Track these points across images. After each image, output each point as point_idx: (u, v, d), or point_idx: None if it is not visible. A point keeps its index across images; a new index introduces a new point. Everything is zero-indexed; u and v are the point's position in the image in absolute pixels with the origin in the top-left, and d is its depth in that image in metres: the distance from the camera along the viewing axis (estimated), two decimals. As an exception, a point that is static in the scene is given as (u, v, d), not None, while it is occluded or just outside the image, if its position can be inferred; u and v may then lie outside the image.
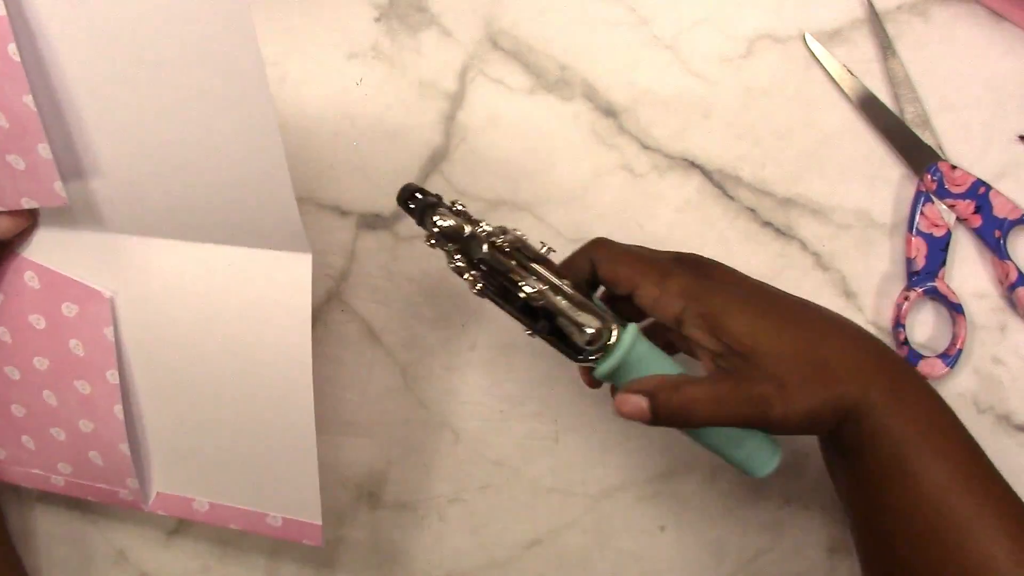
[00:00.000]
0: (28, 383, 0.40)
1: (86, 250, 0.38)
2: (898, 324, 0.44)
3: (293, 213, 0.34)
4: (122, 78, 0.33)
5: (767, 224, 0.46)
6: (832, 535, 0.44)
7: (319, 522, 0.40)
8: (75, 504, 0.45)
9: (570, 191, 0.46)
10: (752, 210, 0.46)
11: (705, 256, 0.39)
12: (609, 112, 0.46)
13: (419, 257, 0.45)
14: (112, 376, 0.39)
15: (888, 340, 0.45)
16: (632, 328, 0.35)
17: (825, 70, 0.46)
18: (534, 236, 0.45)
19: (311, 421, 0.38)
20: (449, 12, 0.46)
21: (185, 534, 0.45)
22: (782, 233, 0.46)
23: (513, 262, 0.34)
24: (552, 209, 0.46)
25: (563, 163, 0.46)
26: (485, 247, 0.34)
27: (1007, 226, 0.44)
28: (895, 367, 0.34)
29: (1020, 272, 0.44)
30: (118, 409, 0.40)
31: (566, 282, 0.35)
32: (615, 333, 0.35)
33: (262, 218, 0.35)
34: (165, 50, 0.31)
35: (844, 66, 0.46)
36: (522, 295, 0.34)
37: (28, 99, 0.33)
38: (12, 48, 0.31)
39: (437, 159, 0.46)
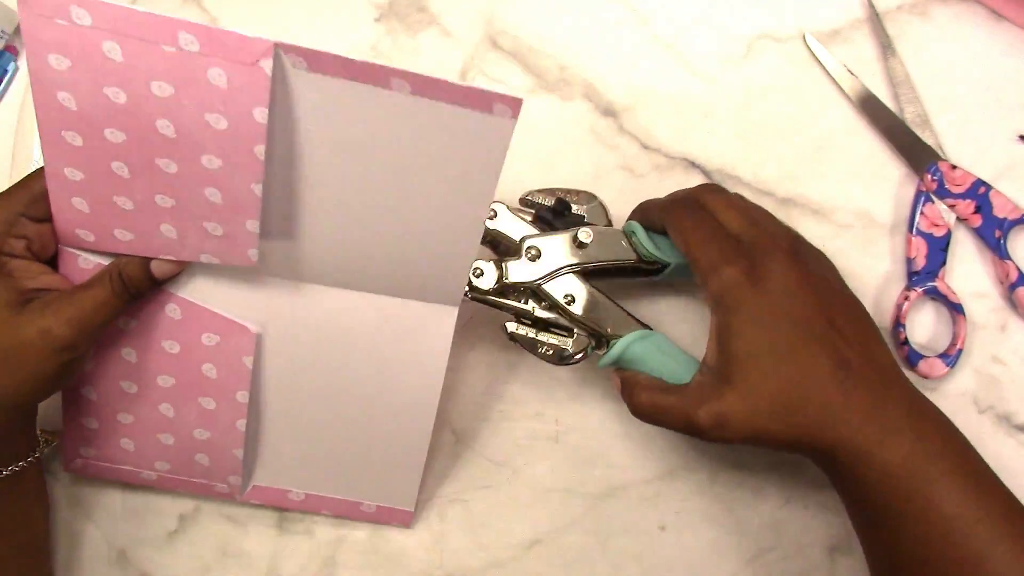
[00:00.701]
0: (144, 397, 0.40)
1: (237, 289, 0.38)
2: (898, 324, 0.44)
3: (465, 276, 0.37)
4: (358, 172, 0.34)
5: (767, 224, 0.46)
6: (832, 535, 0.44)
7: (412, 508, 0.44)
8: (75, 504, 0.45)
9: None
10: (752, 210, 0.46)
11: (810, 245, 0.39)
12: (609, 112, 0.46)
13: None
14: (242, 396, 0.40)
15: (888, 340, 0.45)
16: (626, 341, 0.39)
17: (825, 70, 0.46)
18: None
19: (428, 436, 0.41)
20: (449, 12, 0.46)
21: (185, 534, 0.45)
22: (782, 233, 0.46)
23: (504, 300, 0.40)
24: (552, 209, 0.46)
25: (563, 163, 0.46)
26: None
27: (1007, 226, 0.44)
28: (895, 404, 0.35)
29: (1020, 272, 0.44)
30: (241, 423, 0.40)
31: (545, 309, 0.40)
32: (584, 351, 0.40)
33: (437, 280, 0.38)
34: (413, 159, 0.33)
35: (844, 66, 0.46)
36: (506, 332, 0.40)
37: (257, 187, 0.34)
38: (260, 149, 0.32)
39: (437, 159, 0.46)
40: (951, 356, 0.44)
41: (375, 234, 0.36)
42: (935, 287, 0.44)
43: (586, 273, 0.40)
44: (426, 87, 0.31)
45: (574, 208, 0.42)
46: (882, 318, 0.45)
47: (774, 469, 0.44)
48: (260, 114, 0.32)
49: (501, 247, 0.41)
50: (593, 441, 0.45)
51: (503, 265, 0.39)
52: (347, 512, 0.44)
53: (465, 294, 0.39)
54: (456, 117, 0.32)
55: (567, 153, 0.46)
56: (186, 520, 0.45)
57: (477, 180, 0.34)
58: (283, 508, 0.44)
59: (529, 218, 0.41)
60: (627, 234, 0.41)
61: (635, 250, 0.40)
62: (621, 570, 0.44)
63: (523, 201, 0.42)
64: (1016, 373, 0.45)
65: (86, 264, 0.37)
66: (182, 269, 0.38)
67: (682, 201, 0.39)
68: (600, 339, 0.40)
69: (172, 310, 0.38)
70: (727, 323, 0.36)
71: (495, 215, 0.40)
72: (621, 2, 0.47)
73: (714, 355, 0.36)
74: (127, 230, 0.36)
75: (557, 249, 0.39)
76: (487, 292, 0.39)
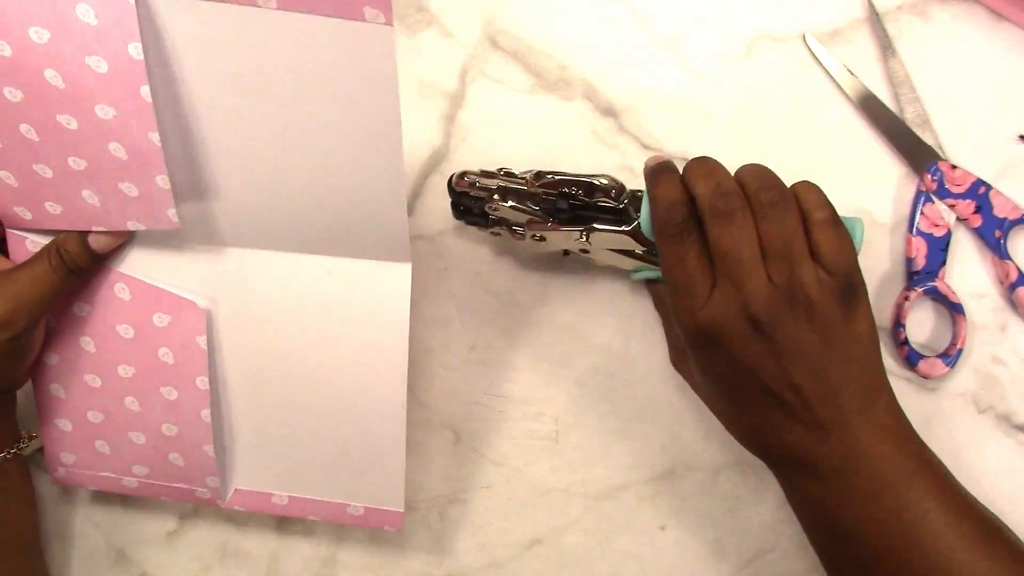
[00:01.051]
0: (109, 391, 0.40)
1: (181, 263, 0.38)
2: (898, 324, 0.44)
3: (403, 227, 0.36)
4: (254, 111, 0.33)
5: (767, 224, 0.46)
6: (832, 535, 0.44)
7: (401, 509, 0.42)
8: (75, 504, 0.45)
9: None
10: (752, 210, 0.46)
11: (857, 280, 0.34)
12: (609, 112, 0.46)
13: (418, 257, 0.45)
14: (202, 383, 0.39)
15: (888, 340, 0.45)
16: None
17: (825, 70, 0.46)
18: (534, 236, 0.45)
19: (402, 417, 0.39)
20: (449, 12, 0.46)
21: (185, 534, 0.45)
22: (782, 233, 0.46)
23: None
24: (552, 209, 0.46)
25: (563, 163, 0.46)
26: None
27: (1007, 226, 0.44)
28: (859, 436, 0.33)
29: (1020, 272, 0.44)
30: (205, 413, 0.40)
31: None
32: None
33: (372, 231, 0.36)
34: (303, 87, 0.32)
35: (844, 66, 0.46)
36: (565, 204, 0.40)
37: (154, 135, 0.33)
38: (145, 90, 0.32)
39: (437, 159, 0.46)
40: (951, 356, 0.44)
41: (289, 178, 0.35)
42: (935, 287, 0.44)
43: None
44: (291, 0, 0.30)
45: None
46: (882, 318, 0.45)
47: (774, 469, 0.44)
48: (135, 49, 0.31)
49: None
50: (593, 441, 0.45)
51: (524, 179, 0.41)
52: (335, 516, 0.43)
53: (491, 215, 0.40)
54: (330, 30, 0.31)
55: (567, 153, 0.46)
56: (186, 520, 0.45)
57: (376, 98, 0.32)
58: (268, 513, 0.43)
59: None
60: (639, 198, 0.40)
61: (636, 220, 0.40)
62: (621, 570, 0.44)
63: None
64: (1016, 373, 0.45)
65: (33, 247, 0.37)
66: (121, 242, 0.38)
67: (677, 220, 0.34)
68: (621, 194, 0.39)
69: (121, 290, 0.38)
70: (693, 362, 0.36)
71: (497, 206, 0.41)
72: (621, 2, 0.47)
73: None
74: (55, 201, 0.36)
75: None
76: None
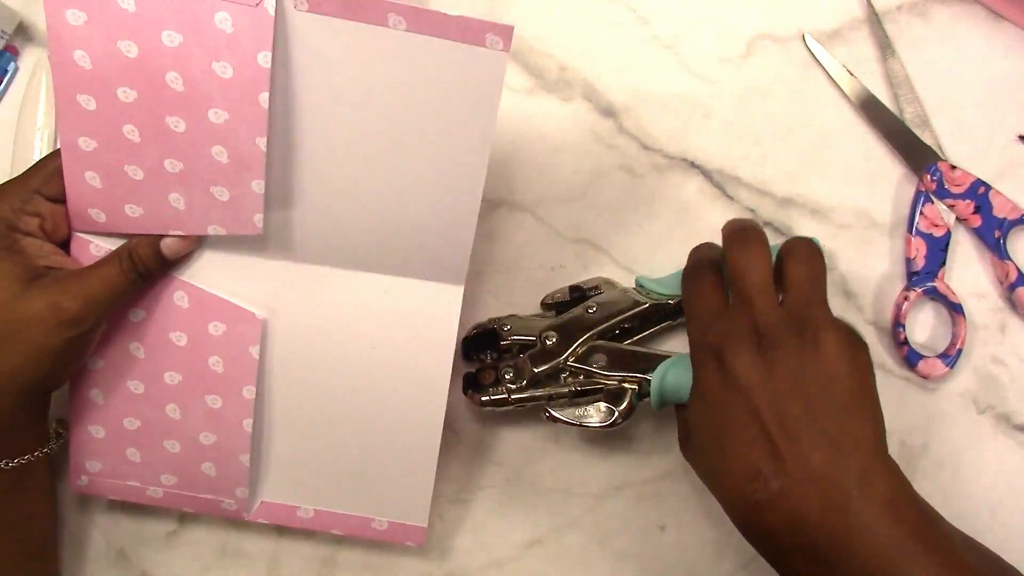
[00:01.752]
0: (151, 397, 0.40)
1: (242, 273, 0.39)
2: (898, 324, 0.44)
3: (467, 251, 0.38)
4: (354, 124, 0.35)
5: (767, 224, 0.46)
6: (832, 535, 0.44)
7: (425, 524, 0.42)
8: (75, 504, 0.45)
9: (570, 191, 0.46)
10: (752, 210, 0.46)
11: (858, 340, 0.34)
12: (609, 112, 0.46)
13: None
14: (248, 392, 0.40)
15: (888, 340, 0.45)
16: (657, 374, 0.39)
17: (825, 70, 0.46)
18: (535, 236, 0.45)
19: (438, 437, 0.40)
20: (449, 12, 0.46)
21: (185, 534, 0.45)
22: (782, 233, 0.46)
23: (527, 394, 0.41)
24: (552, 209, 0.46)
25: (563, 163, 0.46)
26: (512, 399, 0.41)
27: (1007, 226, 0.44)
28: (808, 527, 0.32)
29: (1020, 272, 0.44)
30: (247, 422, 0.40)
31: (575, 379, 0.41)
32: (629, 400, 0.40)
33: (437, 253, 0.38)
34: (408, 104, 0.34)
35: (844, 66, 0.46)
36: (544, 417, 0.41)
37: (261, 141, 0.34)
38: (264, 97, 0.33)
39: (437, 159, 0.46)
40: (951, 356, 0.44)
41: (371, 194, 0.36)
42: (935, 287, 0.44)
43: (608, 338, 0.41)
44: (421, 21, 0.32)
45: (589, 293, 0.43)
46: (881, 318, 0.45)
47: (774, 469, 0.44)
48: (264, 58, 0.33)
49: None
50: (593, 441, 0.45)
51: (525, 359, 0.41)
52: (359, 530, 0.43)
53: (504, 401, 0.40)
54: (450, 52, 0.32)
55: (567, 153, 0.46)
56: (186, 520, 0.45)
57: (474, 122, 0.34)
58: (292, 526, 0.43)
59: (551, 314, 0.43)
60: (637, 287, 0.42)
61: (645, 298, 0.42)
62: (621, 570, 0.44)
63: (543, 305, 0.44)
64: (1016, 373, 0.45)
65: (97, 251, 0.37)
66: (192, 248, 0.38)
67: (703, 264, 0.38)
68: (641, 385, 0.40)
69: (180, 298, 0.39)
70: (692, 389, 0.36)
71: (508, 328, 0.42)
72: (621, 2, 0.47)
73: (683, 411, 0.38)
74: (137, 204, 0.36)
75: (571, 326, 0.41)
76: (521, 392, 0.40)
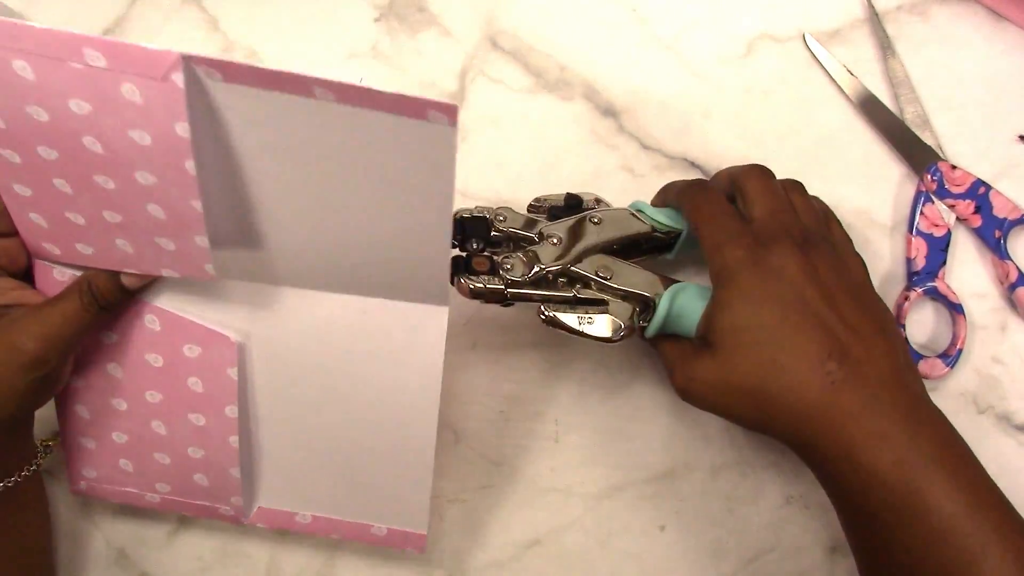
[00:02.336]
0: (135, 414, 0.40)
1: (214, 297, 0.38)
2: (898, 324, 0.44)
3: (445, 271, 0.36)
4: (306, 181, 0.33)
5: (767, 224, 0.46)
6: (832, 535, 0.44)
7: (425, 531, 0.42)
8: (76, 505, 0.45)
9: (570, 191, 0.46)
10: (752, 210, 0.46)
11: (840, 247, 0.38)
12: (609, 112, 0.46)
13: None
14: (231, 411, 0.39)
15: (888, 340, 0.45)
16: (668, 294, 0.38)
17: (825, 70, 0.46)
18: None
19: (431, 449, 0.40)
20: (449, 12, 0.46)
21: (185, 534, 0.45)
22: (782, 233, 0.46)
23: (529, 290, 0.38)
24: (552, 209, 0.46)
25: (563, 163, 0.46)
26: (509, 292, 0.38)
27: (1007, 226, 0.44)
28: (891, 406, 0.33)
29: (1020, 272, 0.44)
30: (233, 439, 0.40)
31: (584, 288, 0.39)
32: (628, 317, 0.38)
33: (414, 274, 0.36)
34: (357, 167, 0.32)
35: (844, 66, 0.46)
36: (541, 318, 0.38)
37: (196, 203, 0.32)
38: (190, 164, 0.31)
39: (437, 159, 0.46)
40: (951, 356, 0.44)
41: (341, 235, 0.35)
42: (935, 287, 0.44)
43: (608, 251, 0.40)
44: (351, 95, 0.30)
45: (587, 205, 0.42)
46: (882, 318, 0.45)
47: (774, 468, 0.44)
48: (182, 129, 0.30)
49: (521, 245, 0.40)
50: (593, 441, 0.45)
51: (532, 252, 0.38)
52: (358, 536, 0.43)
53: (504, 293, 0.38)
54: (391, 124, 0.30)
55: (567, 153, 0.46)
56: (186, 520, 0.45)
57: (432, 184, 0.32)
58: (291, 531, 0.43)
59: (542, 217, 0.41)
60: (633, 212, 0.41)
61: (646, 223, 0.41)
62: (621, 570, 0.44)
63: (531, 207, 0.42)
64: (1016, 373, 0.45)
65: (61, 276, 0.36)
66: (151, 279, 0.37)
67: (699, 183, 0.40)
68: (644, 303, 0.39)
69: (151, 321, 0.38)
70: (719, 296, 0.36)
71: (504, 219, 0.40)
72: (621, 2, 0.47)
73: (703, 326, 0.36)
74: (86, 244, 0.35)
75: (576, 232, 0.39)
76: (522, 284, 0.38)
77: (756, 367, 0.34)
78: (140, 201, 0.33)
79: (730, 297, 0.35)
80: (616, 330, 0.38)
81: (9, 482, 0.37)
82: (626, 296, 0.38)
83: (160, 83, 0.29)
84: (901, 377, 0.34)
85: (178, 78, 0.29)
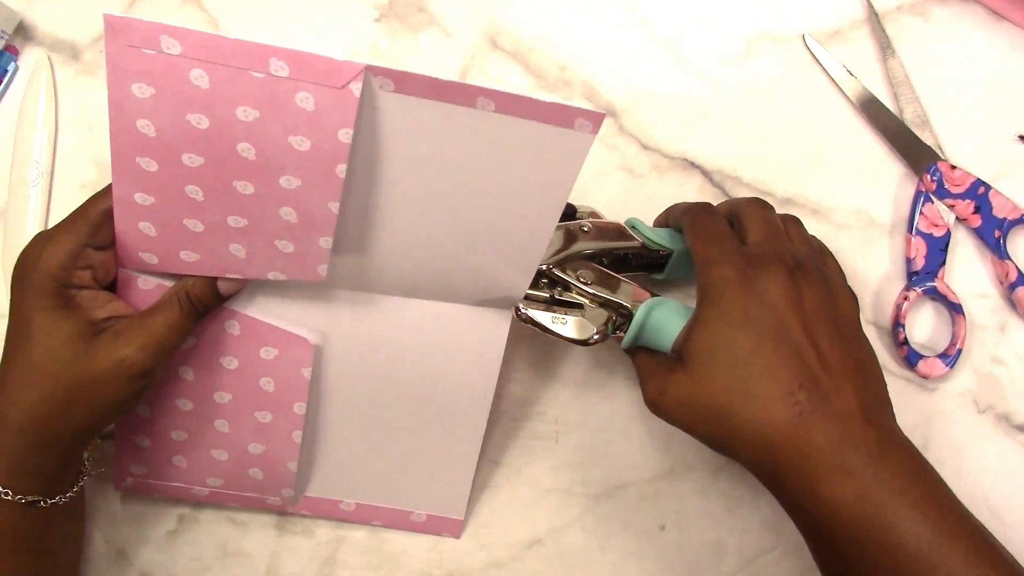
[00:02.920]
0: (200, 413, 0.40)
1: (294, 302, 0.38)
2: (898, 324, 0.44)
3: (527, 280, 0.37)
4: (430, 187, 0.34)
5: (767, 224, 0.46)
6: (832, 535, 0.44)
7: (462, 518, 0.44)
8: (75, 504, 0.45)
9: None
10: (752, 210, 0.46)
11: (831, 280, 0.36)
12: (609, 112, 0.46)
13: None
14: (299, 408, 0.40)
15: (888, 340, 0.45)
16: (644, 307, 0.38)
17: (824, 70, 0.46)
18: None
19: (479, 439, 0.42)
20: (449, 12, 0.46)
21: (185, 534, 0.45)
22: (782, 233, 0.46)
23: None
24: (552, 209, 0.46)
25: (563, 163, 0.46)
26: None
27: (1007, 226, 0.44)
28: (856, 442, 0.33)
29: (1020, 272, 0.44)
30: (297, 434, 0.40)
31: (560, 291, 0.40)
32: (601, 328, 0.39)
33: (498, 285, 0.38)
34: (489, 174, 0.33)
35: (844, 66, 0.46)
36: (517, 315, 0.39)
37: (334, 205, 0.33)
38: (341, 168, 0.32)
39: (437, 159, 0.46)
40: (951, 356, 0.44)
41: (444, 247, 0.36)
42: (934, 287, 0.44)
43: (594, 260, 0.40)
44: (510, 104, 0.31)
45: (579, 214, 0.42)
46: (881, 318, 0.45)
47: (774, 469, 0.44)
48: (345, 135, 0.31)
49: None
50: (593, 441, 0.45)
51: None
52: (397, 522, 0.44)
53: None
54: (537, 133, 0.32)
55: (567, 153, 0.46)
56: (186, 520, 0.45)
57: (551, 192, 0.34)
58: (335, 519, 0.44)
59: None
60: (628, 227, 0.41)
61: (637, 239, 0.41)
62: (621, 570, 0.44)
63: None
64: (1016, 373, 0.45)
65: (146, 285, 0.36)
66: (245, 284, 0.37)
67: (703, 204, 0.40)
68: (619, 313, 0.39)
69: (231, 326, 0.38)
70: (701, 313, 0.36)
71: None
72: (621, 2, 0.47)
73: (680, 341, 0.36)
74: (193, 251, 0.35)
75: (564, 237, 0.40)
76: None
77: (725, 390, 0.34)
78: (275, 205, 0.33)
79: (711, 316, 0.35)
80: (587, 334, 0.38)
81: (75, 489, 0.38)
82: (604, 303, 0.39)
83: (337, 91, 0.30)
84: (871, 414, 0.33)
85: (356, 88, 0.30)
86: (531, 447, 0.45)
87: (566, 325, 0.38)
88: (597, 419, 0.45)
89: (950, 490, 0.33)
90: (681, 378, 0.35)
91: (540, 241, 0.36)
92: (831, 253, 0.40)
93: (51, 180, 0.46)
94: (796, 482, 0.33)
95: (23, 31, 0.46)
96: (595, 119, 0.31)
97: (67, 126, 0.46)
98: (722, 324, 0.35)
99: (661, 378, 0.36)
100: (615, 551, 0.45)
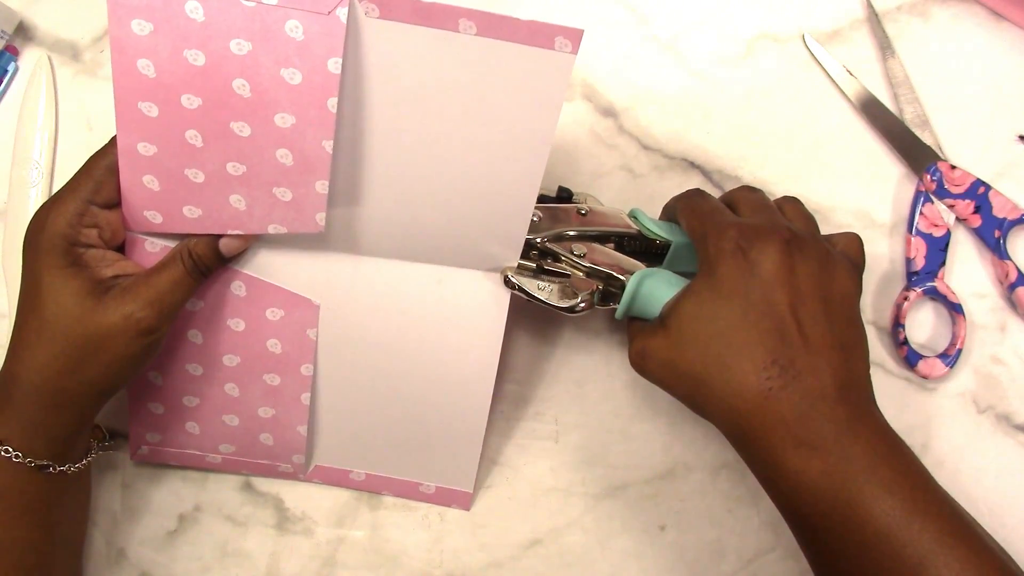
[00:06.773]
0: (210, 378, 0.41)
1: (296, 264, 0.39)
2: (898, 324, 0.44)
3: (520, 241, 0.38)
4: (419, 124, 0.35)
5: (767, 224, 0.46)
6: (832, 535, 0.44)
7: (471, 490, 0.44)
8: (75, 504, 0.45)
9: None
10: (752, 210, 0.46)
11: (829, 255, 0.36)
12: (609, 112, 0.46)
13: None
14: (306, 369, 0.41)
15: (888, 340, 0.45)
16: (636, 277, 0.38)
17: (824, 70, 0.46)
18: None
19: (486, 412, 0.42)
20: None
21: (185, 534, 0.45)
22: (782, 233, 0.46)
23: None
24: (552, 209, 0.46)
25: (563, 163, 0.46)
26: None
27: (1007, 226, 0.44)
28: (825, 419, 0.33)
29: (1020, 272, 0.44)
30: (305, 397, 0.41)
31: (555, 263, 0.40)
32: (591, 296, 0.39)
33: (493, 245, 0.38)
34: (473, 104, 0.34)
35: (844, 66, 0.46)
36: (505, 282, 0.39)
37: (328, 143, 0.34)
38: (333, 102, 0.33)
39: (437, 159, 0.46)
40: (951, 356, 0.44)
41: (437, 191, 0.37)
42: (934, 287, 0.44)
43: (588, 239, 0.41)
44: (491, 25, 0.32)
45: (578, 199, 0.42)
46: (881, 318, 0.45)
47: (774, 469, 0.44)
48: (334, 64, 0.32)
49: None
50: (593, 441, 0.45)
51: None
52: (407, 493, 0.45)
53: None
54: (519, 55, 0.33)
55: (567, 153, 0.46)
56: (186, 520, 0.45)
57: (538, 121, 0.35)
58: (345, 487, 0.45)
59: None
60: (629, 217, 0.41)
61: (634, 226, 0.41)
62: (621, 570, 0.44)
63: None
64: (1016, 373, 0.45)
65: (152, 248, 0.38)
66: (248, 245, 0.38)
67: (696, 189, 0.40)
68: (610, 284, 0.39)
69: (237, 287, 0.39)
70: (693, 283, 0.36)
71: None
72: (621, 2, 0.47)
73: (668, 306, 0.37)
74: (196, 206, 0.36)
75: (559, 216, 0.40)
76: None
77: (702, 358, 0.35)
78: (271, 147, 0.34)
79: (703, 286, 0.36)
80: (572, 301, 0.39)
81: (89, 458, 0.38)
82: (592, 273, 0.39)
83: (324, 17, 0.32)
84: (845, 393, 0.33)
85: (342, 13, 0.32)
86: (531, 447, 0.45)
87: (552, 293, 0.39)
88: (597, 419, 0.45)
89: (927, 472, 0.33)
90: (662, 341, 0.36)
91: (532, 179, 0.36)
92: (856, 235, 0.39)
93: (51, 180, 0.46)
94: (764, 454, 0.34)
95: (23, 31, 0.46)
96: (574, 37, 0.32)
97: (67, 126, 0.46)
98: (710, 294, 0.35)
99: (645, 339, 0.37)
100: (615, 551, 0.45)
